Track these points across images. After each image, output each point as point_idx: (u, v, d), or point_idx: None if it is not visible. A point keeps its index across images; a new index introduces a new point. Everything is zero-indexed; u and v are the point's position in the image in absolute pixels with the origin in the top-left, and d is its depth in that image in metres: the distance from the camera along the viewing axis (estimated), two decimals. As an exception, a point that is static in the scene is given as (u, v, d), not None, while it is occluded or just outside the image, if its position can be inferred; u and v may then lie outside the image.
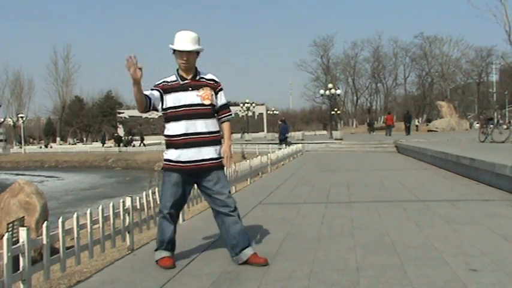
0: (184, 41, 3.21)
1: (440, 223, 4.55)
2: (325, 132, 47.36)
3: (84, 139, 69.89)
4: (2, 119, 65.93)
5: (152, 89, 3.29)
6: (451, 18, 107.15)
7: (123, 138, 50.89)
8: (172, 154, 3.26)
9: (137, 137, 50.36)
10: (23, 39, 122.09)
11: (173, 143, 3.25)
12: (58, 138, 64.86)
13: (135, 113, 68.71)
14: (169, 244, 3.40)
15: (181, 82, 3.27)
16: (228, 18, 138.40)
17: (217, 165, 3.31)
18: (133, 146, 46.62)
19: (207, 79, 3.32)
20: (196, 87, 3.25)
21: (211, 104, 3.27)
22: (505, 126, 16.48)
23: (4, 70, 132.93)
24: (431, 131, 34.04)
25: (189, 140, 3.21)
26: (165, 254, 3.37)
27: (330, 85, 32.17)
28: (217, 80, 3.35)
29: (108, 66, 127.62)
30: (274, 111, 68.66)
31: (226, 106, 3.38)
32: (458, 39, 75.56)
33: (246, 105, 50.23)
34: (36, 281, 3.45)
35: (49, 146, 55.49)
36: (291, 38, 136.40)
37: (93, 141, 57.88)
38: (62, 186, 26.39)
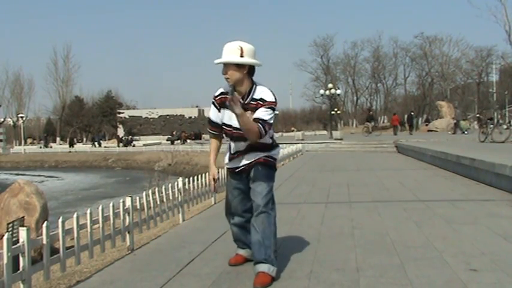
0: (223, 53, 2.91)
1: (440, 223, 4.55)
2: (325, 132, 47.26)
3: (84, 139, 69.87)
4: (2, 119, 65.93)
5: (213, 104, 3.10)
6: (451, 18, 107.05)
7: (123, 138, 51.34)
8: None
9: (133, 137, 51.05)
10: (23, 39, 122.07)
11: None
12: (58, 138, 64.83)
13: (135, 113, 68.89)
14: None
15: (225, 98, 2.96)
16: (228, 18, 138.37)
17: None
18: (134, 146, 46.79)
19: (255, 99, 2.92)
20: (259, 109, 2.91)
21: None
22: (505, 126, 16.54)
23: (4, 70, 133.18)
24: (431, 130, 34.04)
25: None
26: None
27: (330, 85, 32.18)
28: (266, 98, 2.90)
29: (108, 66, 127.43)
30: (274, 111, 68.33)
31: (263, 121, 2.87)
32: (458, 39, 75.70)
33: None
34: (36, 281, 3.45)
35: (49, 145, 55.49)
36: (291, 38, 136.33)
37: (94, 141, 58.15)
38: (62, 186, 26.41)
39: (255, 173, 3.04)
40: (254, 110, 2.90)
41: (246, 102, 2.91)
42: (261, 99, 2.90)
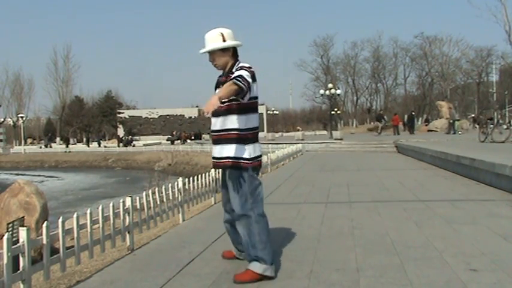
0: (206, 42, 3.06)
1: (440, 223, 4.55)
2: (325, 132, 47.24)
3: (84, 139, 69.97)
4: (2, 119, 65.92)
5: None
6: (451, 18, 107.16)
7: (123, 138, 51.44)
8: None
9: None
10: (23, 39, 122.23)
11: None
12: (58, 138, 64.83)
13: (135, 113, 68.94)
14: None
15: (220, 79, 3.13)
16: (228, 18, 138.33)
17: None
18: (134, 146, 46.80)
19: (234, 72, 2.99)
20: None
21: (224, 102, 2.94)
22: (505, 126, 16.55)
23: (4, 70, 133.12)
24: (431, 130, 34.05)
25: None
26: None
27: (330, 85, 32.18)
28: (239, 66, 2.99)
29: (108, 66, 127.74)
30: (274, 111, 68.67)
31: (236, 76, 2.86)
32: (458, 39, 75.68)
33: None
34: (36, 281, 3.45)
35: (49, 146, 55.46)
36: (291, 38, 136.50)
37: (93, 141, 58.31)
38: (62, 186, 26.40)
39: (228, 178, 3.08)
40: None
41: (227, 77, 3.02)
42: (236, 69, 3.00)
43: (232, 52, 3.08)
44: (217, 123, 3.07)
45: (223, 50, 3.05)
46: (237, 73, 2.91)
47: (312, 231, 4.39)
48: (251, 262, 3.02)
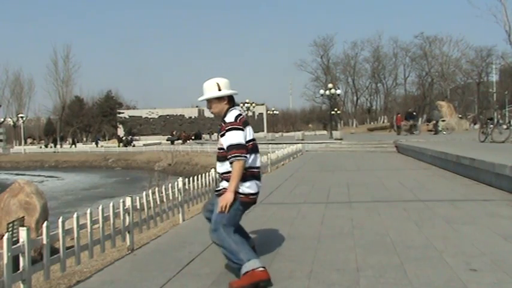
0: (204, 91, 3.28)
1: (440, 223, 4.55)
2: (325, 132, 47.23)
3: (84, 139, 69.93)
4: (2, 119, 65.92)
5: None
6: (451, 18, 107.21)
7: (123, 138, 51.49)
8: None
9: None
10: (23, 39, 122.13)
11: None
12: (58, 139, 64.81)
13: (135, 113, 68.93)
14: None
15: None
16: (228, 18, 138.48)
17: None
18: (134, 146, 46.83)
19: (224, 123, 3.22)
20: (222, 134, 3.23)
21: (222, 148, 3.22)
22: (505, 126, 16.54)
23: (4, 70, 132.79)
24: (431, 131, 34.04)
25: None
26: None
27: (330, 85, 32.15)
28: (227, 120, 3.19)
29: (108, 66, 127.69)
30: (274, 111, 68.66)
31: (229, 148, 3.12)
32: (458, 39, 75.45)
33: (246, 105, 50.25)
34: (36, 281, 3.45)
35: (49, 146, 55.45)
36: (291, 38, 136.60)
37: (92, 141, 58.38)
38: (62, 186, 26.40)
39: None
40: (222, 132, 3.20)
41: (222, 125, 3.23)
42: (224, 122, 3.22)
43: (228, 100, 3.27)
44: (221, 167, 3.25)
45: (219, 99, 3.25)
46: (228, 142, 3.11)
47: (312, 231, 4.39)
48: (240, 270, 2.96)
